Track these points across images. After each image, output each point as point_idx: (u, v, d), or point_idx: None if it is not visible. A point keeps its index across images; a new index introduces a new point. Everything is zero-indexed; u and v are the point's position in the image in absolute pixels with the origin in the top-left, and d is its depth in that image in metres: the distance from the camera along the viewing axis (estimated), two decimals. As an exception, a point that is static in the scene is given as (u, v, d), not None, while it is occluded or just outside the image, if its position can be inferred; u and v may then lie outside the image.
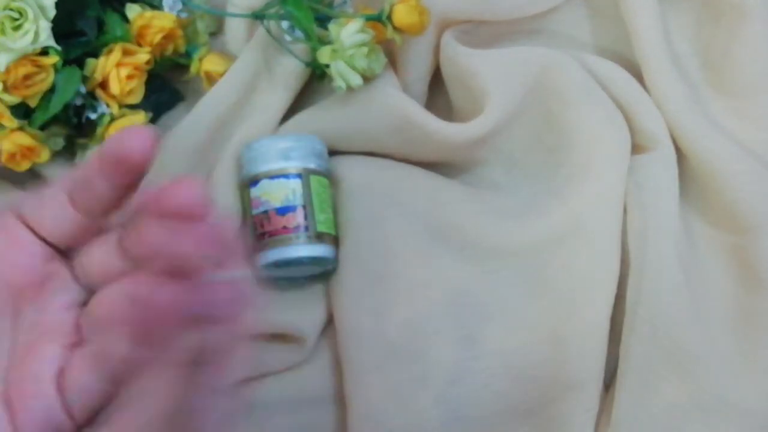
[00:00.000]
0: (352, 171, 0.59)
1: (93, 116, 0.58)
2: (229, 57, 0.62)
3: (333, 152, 0.60)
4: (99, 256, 0.34)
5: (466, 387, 0.53)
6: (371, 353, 0.54)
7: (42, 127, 0.56)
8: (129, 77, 0.57)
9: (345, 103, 0.58)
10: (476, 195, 0.58)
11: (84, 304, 0.34)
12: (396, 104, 0.57)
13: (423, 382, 0.53)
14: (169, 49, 0.60)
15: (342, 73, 0.56)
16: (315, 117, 0.59)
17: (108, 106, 0.57)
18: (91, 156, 0.34)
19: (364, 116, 0.58)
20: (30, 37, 0.51)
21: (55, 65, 0.54)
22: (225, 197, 0.57)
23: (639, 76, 0.58)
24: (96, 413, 0.33)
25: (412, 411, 0.53)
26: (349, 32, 0.55)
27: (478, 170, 0.60)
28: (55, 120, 0.57)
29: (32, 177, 0.59)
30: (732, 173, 0.53)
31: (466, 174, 0.60)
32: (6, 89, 0.53)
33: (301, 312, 0.56)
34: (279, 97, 0.60)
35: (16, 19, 0.51)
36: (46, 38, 0.52)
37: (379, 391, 0.53)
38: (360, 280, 0.56)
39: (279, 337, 0.56)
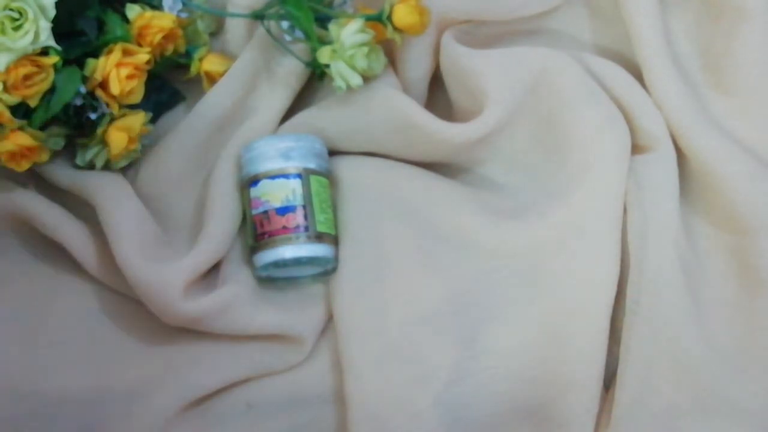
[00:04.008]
0: (351, 171, 0.59)
1: (93, 116, 0.58)
2: (229, 57, 0.63)
3: (333, 152, 0.60)
4: None
5: (466, 387, 0.53)
6: (371, 353, 0.54)
7: (42, 127, 0.56)
8: (129, 77, 0.57)
9: (345, 103, 0.58)
10: (476, 195, 0.58)
11: None
12: (396, 104, 0.57)
13: (423, 382, 0.53)
14: (169, 49, 0.60)
15: (342, 73, 0.56)
16: (315, 117, 0.59)
17: (108, 106, 0.57)
18: None
19: (364, 116, 0.58)
20: (30, 37, 0.51)
21: (55, 65, 0.54)
22: (224, 197, 0.57)
23: (639, 77, 0.58)
24: None
25: (412, 411, 0.53)
26: (349, 32, 0.55)
27: (478, 170, 0.60)
28: (55, 120, 0.57)
29: (32, 177, 0.59)
30: (732, 173, 0.53)
31: (466, 174, 0.60)
32: (6, 89, 0.53)
33: (300, 313, 0.56)
34: (279, 97, 0.60)
35: (17, 19, 0.51)
36: (47, 38, 0.52)
37: (379, 391, 0.53)
38: (360, 280, 0.56)
39: (279, 338, 0.56)
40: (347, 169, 0.59)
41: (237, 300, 0.55)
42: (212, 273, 0.57)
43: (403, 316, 0.55)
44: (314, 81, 0.62)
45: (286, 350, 0.56)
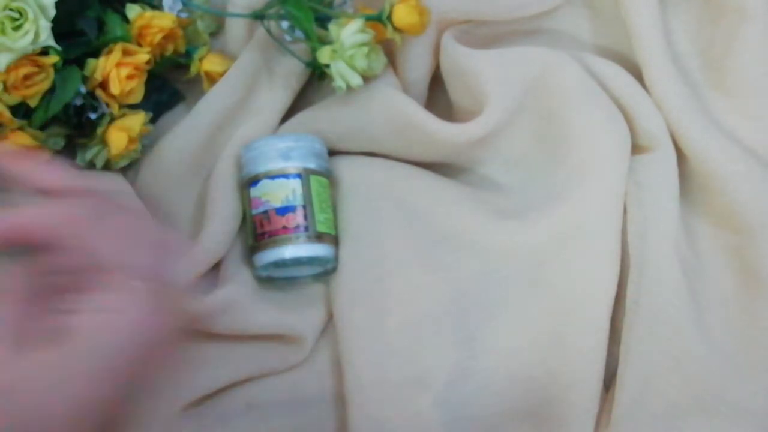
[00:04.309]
0: (351, 171, 0.59)
1: (93, 116, 0.58)
2: (229, 57, 0.63)
3: (333, 152, 0.60)
4: None
5: (466, 387, 0.53)
6: (371, 353, 0.54)
7: (42, 127, 0.56)
8: (129, 77, 0.57)
9: (345, 103, 0.58)
10: (476, 195, 0.58)
11: None
12: (396, 104, 0.57)
13: (422, 382, 0.53)
14: (169, 49, 0.60)
15: (342, 73, 0.56)
16: (315, 117, 0.59)
17: (108, 106, 0.57)
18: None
19: (364, 116, 0.58)
20: (30, 37, 0.51)
21: (55, 65, 0.54)
22: (224, 197, 0.57)
23: (639, 77, 0.58)
24: None
25: (412, 412, 0.53)
26: (349, 32, 0.55)
27: (478, 170, 0.60)
28: (55, 120, 0.57)
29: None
30: (732, 173, 0.53)
31: (466, 174, 0.60)
32: (6, 89, 0.53)
33: (300, 313, 0.56)
34: (279, 97, 0.60)
35: (17, 19, 0.51)
36: (47, 38, 0.52)
37: (379, 391, 0.53)
38: (360, 280, 0.56)
39: (279, 338, 0.56)
40: (347, 169, 0.59)
41: (237, 300, 0.55)
42: (212, 273, 0.57)
43: (403, 315, 0.55)
44: (314, 81, 0.62)
45: (286, 350, 0.56)
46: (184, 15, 0.62)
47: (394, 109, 0.57)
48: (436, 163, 0.60)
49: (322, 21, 0.58)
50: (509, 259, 0.55)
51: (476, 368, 0.53)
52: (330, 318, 0.57)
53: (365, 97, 0.58)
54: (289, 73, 0.60)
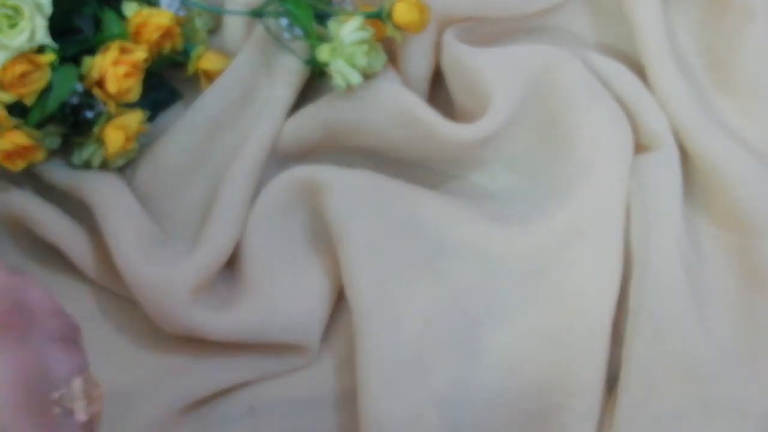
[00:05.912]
0: (353, 181, 0.57)
1: (90, 115, 0.57)
2: (227, 55, 0.62)
3: (336, 149, 0.59)
4: None
5: (467, 392, 0.53)
6: (385, 365, 0.53)
7: (38, 126, 0.56)
8: (126, 75, 0.56)
9: (351, 96, 0.58)
10: (476, 200, 0.58)
11: None
12: (401, 98, 0.56)
13: (423, 384, 0.53)
14: (167, 47, 0.60)
15: (341, 71, 0.56)
16: (321, 110, 0.59)
17: (105, 104, 0.57)
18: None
19: (369, 109, 0.57)
20: (26, 35, 0.51)
21: (51, 63, 0.54)
22: (234, 199, 0.57)
23: (642, 75, 0.57)
24: None
25: (412, 416, 0.52)
26: (348, 30, 0.55)
27: (479, 170, 0.60)
28: (51, 119, 0.57)
29: (28, 177, 0.59)
30: (736, 173, 0.53)
31: (465, 175, 0.60)
32: (2, 87, 0.52)
33: (304, 324, 0.55)
34: (280, 94, 0.60)
35: (12, 17, 0.51)
36: (43, 36, 0.52)
37: (380, 395, 0.53)
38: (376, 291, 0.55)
39: (282, 346, 0.55)
40: (349, 179, 0.57)
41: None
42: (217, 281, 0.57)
43: (405, 323, 0.54)
44: (316, 78, 0.62)
45: (289, 354, 0.55)
46: (181, 13, 0.61)
47: (399, 103, 0.56)
48: (438, 162, 0.59)
49: (322, 18, 0.58)
50: (511, 262, 0.55)
51: (477, 372, 0.53)
52: (331, 320, 0.57)
53: (371, 91, 0.57)
54: (289, 70, 0.60)
